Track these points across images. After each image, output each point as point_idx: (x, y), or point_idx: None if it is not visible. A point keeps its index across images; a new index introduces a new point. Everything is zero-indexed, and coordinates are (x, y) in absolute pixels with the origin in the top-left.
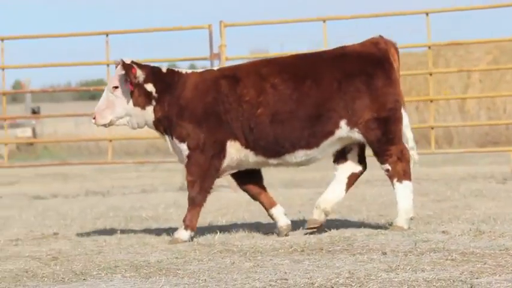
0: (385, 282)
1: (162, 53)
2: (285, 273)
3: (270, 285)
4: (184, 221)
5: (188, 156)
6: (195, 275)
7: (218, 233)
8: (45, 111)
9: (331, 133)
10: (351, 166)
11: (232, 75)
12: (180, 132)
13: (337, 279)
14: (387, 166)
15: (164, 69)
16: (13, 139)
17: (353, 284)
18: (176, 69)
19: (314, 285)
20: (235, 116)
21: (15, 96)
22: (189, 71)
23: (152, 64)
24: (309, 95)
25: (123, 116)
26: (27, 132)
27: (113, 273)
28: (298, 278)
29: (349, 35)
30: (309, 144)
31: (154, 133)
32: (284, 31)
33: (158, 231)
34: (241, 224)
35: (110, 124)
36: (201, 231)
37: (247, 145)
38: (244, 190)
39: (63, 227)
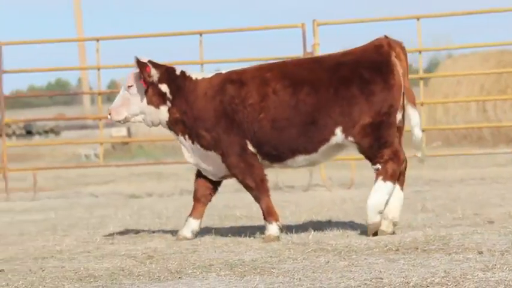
0: (482, 282)
1: (256, 52)
2: (380, 272)
3: (365, 284)
4: (265, 218)
5: (224, 162)
6: (290, 273)
7: (312, 231)
8: None
9: (327, 140)
10: None
11: (238, 79)
12: (204, 142)
13: (433, 279)
14: (378, 166)
15: (178, 71)
16: (108, 138)
17: (449, 284)
18: (188, 73)
19: (409, 284)
20: (244, 120)
21: (111, 95)
22: (199, 76)
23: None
24: (305, 102)
25: (138, 113)
26: (122, 131)
27: (207, 271)
28: (393, 277)
29: (445, 32)
30: (307, 150)
31: None
32: (378, 29)
33: (252, 230)
34: (336, 222)
35: (125, 121)
36: (295, 230)
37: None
38: (195, 185)
39: (158, 225)
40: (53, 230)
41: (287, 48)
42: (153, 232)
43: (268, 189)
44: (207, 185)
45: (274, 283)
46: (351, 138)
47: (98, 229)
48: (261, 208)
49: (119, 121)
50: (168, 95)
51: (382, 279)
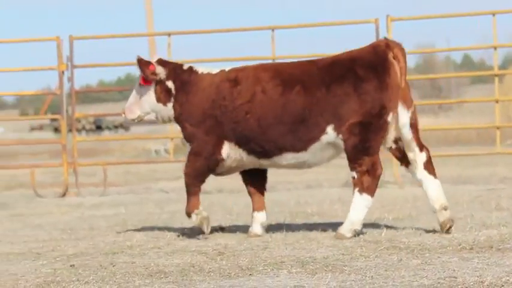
0: None
1: (328, 48)
2: (454, 271)
3: (439, 282)
4: (186, 211)
5: (189, 152)
6: (362, 271)
7: (385, 229)
8: None
9: (317, 138)
10: (417, 158)
11: (234, 78)
12: (183, 133)
13: (508, 278)
14: (354, 174)
15: (185, 67)
16: (178, 133)
17: None
18: (195, 68)
19: (484, 283)
20: (231, 120)
21: None
22: (205, 71)
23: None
24: (295, 100)
25: (150, 111)
26: None
27: (279, 268)
28: (467, 276)
29: None
30: (296, 148)
31: None
32: (451, 25)
33: (323, 227)
34: (408, 220)
35: (139, 119)
36: (367, 228)
37: (240, 146)
38: (245, 184)
39: (229, 221)
40: (123, 225)
41: (360, 44)
42: (224, 228)
43: (199, 189)
44: (255, 177)
45: (346, 281)
46: (340, 136)
47: (168, 225)
48: (187, 202)
49: (133, 120)
50: (173, 91)
51: (455, 278)
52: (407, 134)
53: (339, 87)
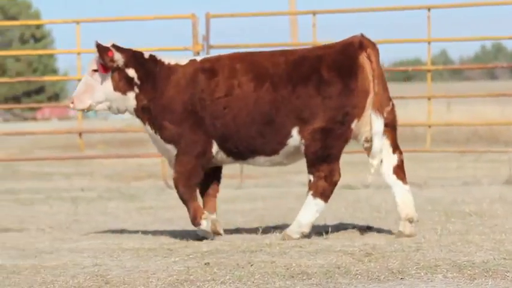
0: None
1: (487, 29)
2: None
3: None
4: (192, 221)
5: (176, 156)
6: None
7: None
8: None
9: (284, 143)
10: (388, 160)
11: (210, 69)
12: (164, 134)
13: None
14: (310, 177)
15: (146, 55)
16: None
17: None
18: (158, 57)
19: None
20: (211, 115)
21: None
22: (172, 62)
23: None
24: (264, 99)
25: (103, 100)
26: None
27: (433, 273)
28: None
29: None
30: (266, 151)
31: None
32: None
33: (483, 229)
34: None
35: (89, 109)
36: None
37: (219, 145)
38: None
39: (377, 220)
40: (261, 221)
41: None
42: (372, 227)
43: (195, 193)
44: (207, 180)
45: None
46: (303, 141)
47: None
48: (188, 212)
49: (83, 110)
50: (136, 80)
51: None
52: (377, 143)
53: (303, 88)
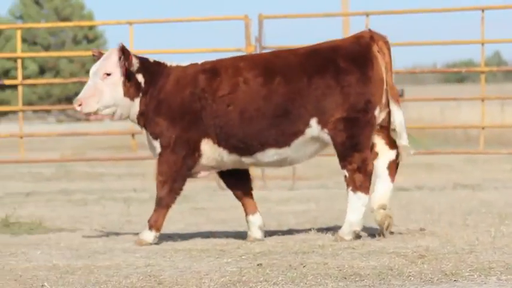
0: None
1: None
2: None
3: None
4: (149, 221)
5: (159, 155)
6: None
7: None
8: (409, 94)
9: (301, 132)
10: (385, 155)
11: (211, 70)
12: (154, 129)
13: None
14: (345, 172)
15: (151, 60)
16: None
17: None
18: (161, 61)
19: None
20: (211, 114)
21: None
22: (174, 64)
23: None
24: (277, 92)
25: (111, 105)
26: None
27: (486, 275)
28: None
29: None
30: (279, 143)
31: None
32: None
33: None
34: None
35: (96, 113)
36: None
37: (219, 143)
38: (230, 189)
39: (430, 222)
40: (313, 222)
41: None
42: (425, 229)
43: (172, 203)
44: (238, 179)
45: None
46: (326, 131)
47: (362, 223)
48: (153, 213)
49: (89, 113)
50: (143, 85)
51: None
52: (403, 133)
53: (321, 79)
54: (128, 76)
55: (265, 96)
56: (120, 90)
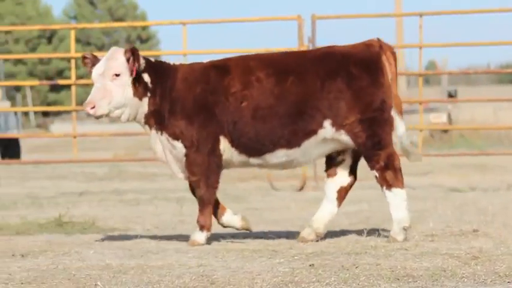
0: None
1: None
2: None
3: None
4: (198, 222)
5: (187, 156)
6: None
7: None
8: (462, 95)
9: (314, 132)
10: (340, 179)
11: (222, 67)
12: (173, 130)
13: None
14: (375, 173)
15: (153, 60)
16: (427, 125)
17: None
18: (163, 61)
19: None
20: (225, 111)
21: (428, 77)
22: (178, 62)
23: None
24: (290, 92)
25: (121, 106)
26: (441, 117)
27: None
28: None
29: None
30: (290, 144)
31: None
32: None
33: None
34: None
35: (107, 115)
36: None
37: (232, 142)
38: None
39: (484, 223)
40: (366, 223)
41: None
42: (478, 230)
43: (214, 199)
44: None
45: None
46: (343, 132)
47: (416, 224)
48: (199, 214)
49: (101, 116)
50: (149, 84)
51: None
52: (405, 143)
53: (333, 83)
54: (136, 76)
55: (279, 95)
56: (130, 90)
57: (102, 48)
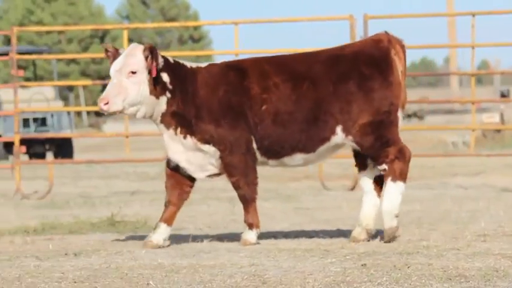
0: None
1: None
2: None
3: None
4: (246, 221)
5: (223, 159)
6: None
7: None
8: None
9: (327, 139)
10: (372, 170)
11: (239, 68)
12: (203, 135)
13: None
14: (384, 166)
15: (171, 60)
16: (479, 125)
17: None
18: (181, 62)
19: None
20: (249, 111)
21: (481, 77)
22: (194, 65)
23: None
24: (306, 97)
25: (136, 103)
26: (494, 117)
27: None
28: None
29: None
30: (307, 149)
31: None
32: None
33: None
34: None
35: (121, 112)
36: None
37: (256, 143)
38: (167, 188)
39: None
40: (418, 223)
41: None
42: None
43: (257, 194)
44: (181, 185)
45: None
46: (350, 138)
47: (467, 224)
48: (245, 211)
49: (115, 113)
50: (168, 85)
51: None
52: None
53: (344, 85)
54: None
55: (296, 100)
56: (146, 88)
57: None
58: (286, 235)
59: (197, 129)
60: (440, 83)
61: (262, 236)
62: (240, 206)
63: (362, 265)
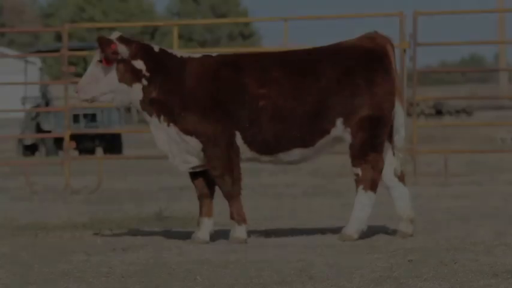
0: None
1: None
2: None
3: None
4: (233, 218)
5: (205, 151)
6: None
7: None
8: None
9: (327, 132)
10: (389, 161)
11: (234, 62)
12: (186, 126)
13: None
14: (358, 171)
15: (156, 48)
16: None
17: None
18: (169, 51)
19: None
20: (241, 108)
21: None
22: (186, 54)
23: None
24: (307, 91)
25: (107, 92)
26: None
27: None
28: None
29: None
30: (305, 143)
31: None
32: None
33: None
34: None
35: (92, 100)
36: None
37: (245, 139)
38: (196, 186)
39: None
40: (465, 219)
41: None
42: None
43: (241, 190)
44: (205, 180)
45: None
46: (349, 130)
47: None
48: (230, 207)
49: (86, 100)
50: (144, 72)
51: None
52: (403, 134)
53: (348, 79)
54: (122, 62)
55: (296, 94)
56: (114, 76)
57: (204, 44)
58: (333, 230)
59: (180, 118)
60: (490, 79)
61: (309, 232)
62: (286, 202)
63: (409, 261)
